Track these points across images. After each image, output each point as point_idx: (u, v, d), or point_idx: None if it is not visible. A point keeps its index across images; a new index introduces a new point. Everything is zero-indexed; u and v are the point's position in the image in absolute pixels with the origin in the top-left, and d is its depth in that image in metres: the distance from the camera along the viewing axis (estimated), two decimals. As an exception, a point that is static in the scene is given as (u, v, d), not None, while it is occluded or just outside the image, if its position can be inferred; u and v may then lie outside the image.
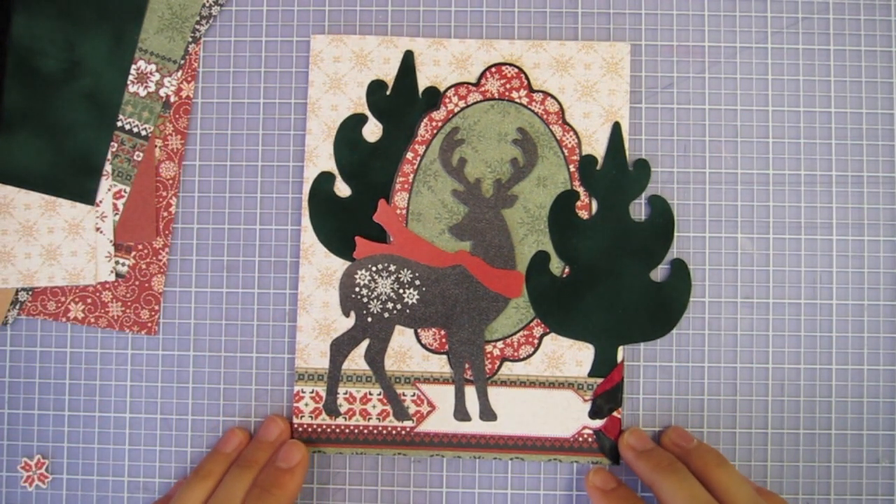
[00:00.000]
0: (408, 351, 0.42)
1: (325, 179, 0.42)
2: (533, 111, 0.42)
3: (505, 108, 0.42)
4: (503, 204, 0.42)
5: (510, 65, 0.42)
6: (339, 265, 0.42)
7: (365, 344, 0.42)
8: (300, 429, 0.41)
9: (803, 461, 0.41)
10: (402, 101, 0.42)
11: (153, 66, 0.43)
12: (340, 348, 0.42)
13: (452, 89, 0.42)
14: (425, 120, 0.42)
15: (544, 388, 0.41)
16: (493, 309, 0.41)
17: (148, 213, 0.42)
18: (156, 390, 0.42)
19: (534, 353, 0.41)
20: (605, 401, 0.41)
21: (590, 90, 0.42)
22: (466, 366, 0.41)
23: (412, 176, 0.42)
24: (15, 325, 0.42)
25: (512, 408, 0.41)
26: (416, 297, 0.41)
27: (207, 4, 0.43)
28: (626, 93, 0.42)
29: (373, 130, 0.42)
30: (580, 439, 0.41)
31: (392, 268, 0.42)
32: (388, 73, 0.42)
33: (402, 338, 0.42)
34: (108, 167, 0.42)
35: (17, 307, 0.42)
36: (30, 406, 0.42)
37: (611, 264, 0.41)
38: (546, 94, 0.42)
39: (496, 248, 0.42)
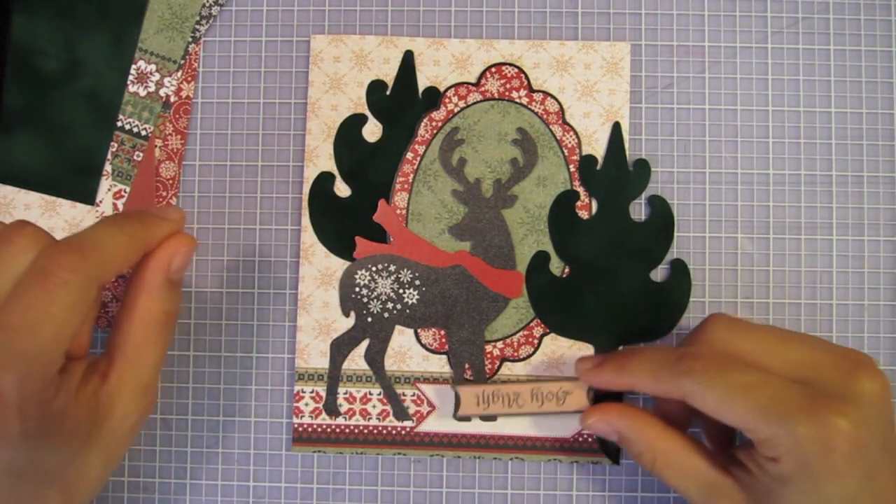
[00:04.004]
0: (408, 351, 0.42)
1: (325, 179, 0.42)
2: (533, 111, 0.42)
3: (505, 108, 0.42)
4: (503, 204, 0.42)
5: (510, 65, 0.42)
6: (339, 265, 0.42)
7: (365, 344, 0.42)
8: (300, 429, 0.41)
9: (803, 461, 0.41)
10: (402, 101, 0.42)
11: (153, 66, 0.43)
12: (340, 348, 0.42)
13: (452, 89, 0.42)
14: (425, 120, 0.42)
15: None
16: (493, 309, 0.41)
17: (148, 213, 0.42)
18: (156, 390, 0.42)
19: (534, 353, 0.41)
20: (606, 401, 0.41)
21: (590, 90, 0.42)
22: (466, 366, 0.41)
23: (412, 176, 0.42)
24: (15, 325, 0.42)
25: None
26: (416, 297, 0.42)
27: (207, 4, 0.43)
28: (626, 93, 0.42)
29: (373, 130, 0.42)
30: (580, 439, 0.41)
31: (392, 268, 0.42)
32: (388, 73, 0.42)
33: (402, 338, 0.42)
34: (108, 167, 0.42)
35: (17, 307, 0.42)
36: (30, 406, 0.42)
37: (611, 264, 0.41)
38: (546, 94, 0.42)
39: (496, 248, 0.42)
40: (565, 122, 0.42)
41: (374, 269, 0.42)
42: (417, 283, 0.42)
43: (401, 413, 0.41)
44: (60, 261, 0.29)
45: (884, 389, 0.31)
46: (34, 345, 0.28)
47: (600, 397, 0.41)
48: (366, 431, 0.41)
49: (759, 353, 0.33)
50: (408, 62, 0.42)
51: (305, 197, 0.42)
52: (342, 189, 0.42)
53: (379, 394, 0.42)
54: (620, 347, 0.41)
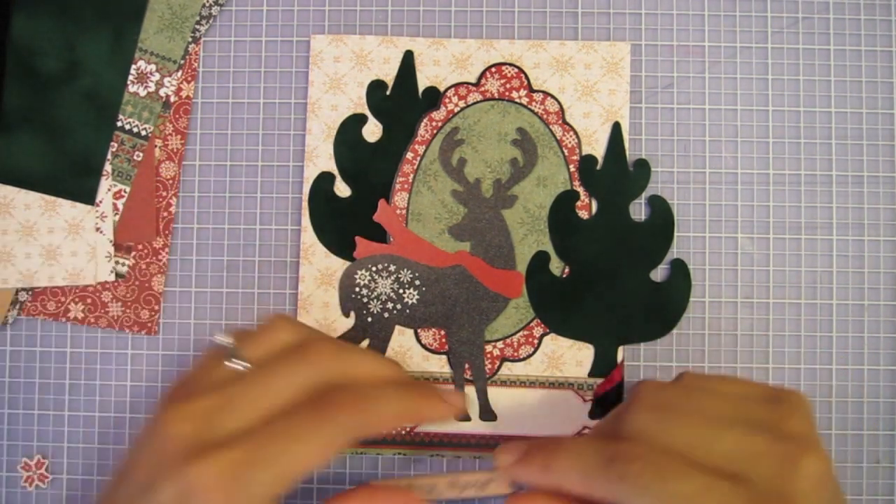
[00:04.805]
0: (408, 351, 0.42)
1: (325, 179, 0.42)
2: (533, 111, 0.42)
3: (505, 108, 0.42)
4: (503, 204, 0.42)
5: (510, 65, 0.42)
6: (339, 265, 0.42)
7: (365, 344, 0.42)
8: (300, 429, 0.41)
9: (803, 461, 0.41)
10: (402, 101, 0.42)
11: (153, 66, 0.43)
12: (340, 348, 0.41)
13: (452, 89, 0.42)
14: (425, 120, 0.42)
15: (544, 388, 0.41)
16: (493, 309, 0.41)
17: (148, 213, 0.42)
18: (156, 390, 0.42)
19: (534, 353, 0.41)
20: (605, 401, 0.41)
21: (590, 90, 0.42)
22: (466, 366, 0.41)
23: (412, 176, 0.42)
24: (15, 325, 0.42)
25: (512, 408, 0.41)
26: (416, 297, 0.42)
27: (207, 4, 0.43)
28: (626, 93, 0.42)
29: (373, 130, 0.42)
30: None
31: (392, 268, 0.42)
32: (388, 73, 0.42)
33: (402, 338, 0.42)
34: (108, 167, 0.42)
35: (17, 307, 0.42)
36: (30, 406, 0.42)
37: (611, 264, 0.41)
38: (546, 94, 0.42)
39: (496, 248, 0.42)
40: (565, 122, 0.42)
41: (374, 269, 0.42)
42: (417, 283, 0.42)
43: (401, 413, 0.41)
44: (341, 401, 0.31)
45: (822, 462, 0.29)
46: (268, 483, 0.29)
47: (600, 399, 0.41)
48: (366, 431, 0.41)
49: (692, 445, 0.30)
50: (408, 62, 0.42)
51: (305, 197, 0.42)
52: (342, 189, 0.42)
53: (379, 394, 0.41)
54: (620, 348, 0.41)
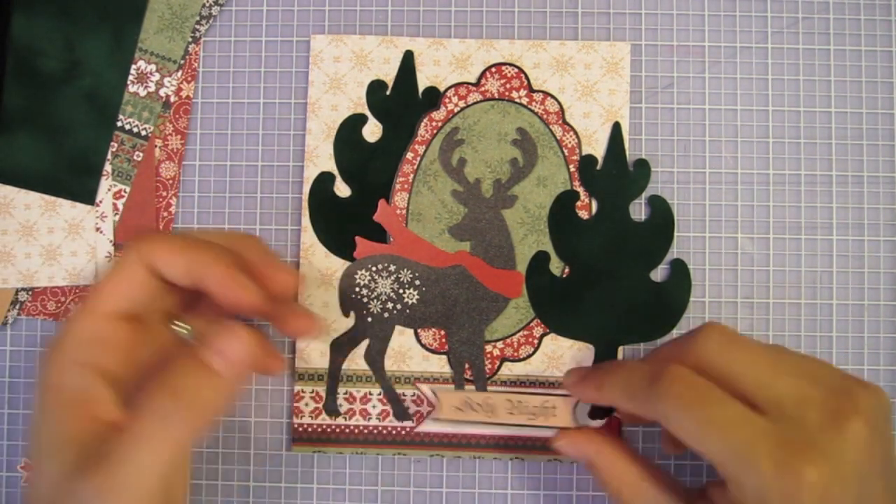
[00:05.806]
0: (408, 351, 0.42)
1: (325, 179, 0.42)
2: (533, 111, 0.42)
3: (505, 108, 0.42)
4: (503, 204, 0.42)
5: (510, 65, 0.42)
6: (339, 265, 0.42)
7: (365, 344, 0.42)
8: (300, 429, 0.41)
9: (803, 461, 0.41)
10: (402, 101, 0.42)
11: (153, 66, 0.43)
12: (340, 348, 0.42)
13: (452, 89, 0.42)
14: (425, 120, 0.42)
15: (544, 388, 0.41)
16: (493, 309, 0.41)
17: (148, 213, 0.42)
18: (156, 390, 0.42)
19: (534, 353, 0.41)
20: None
21: (590, 90, 0.42)
22: (466, 366, 0.41)
23: (412, 176, 0.42)
24: (15, 325, 0.42)
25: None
26: (416, 297, 0.42)
27: (207, 4, 0.43)
28: (626, 93, 0.42)
29: (373, 130, 0.42)
30: (580, 439, 0.41)
31: (392, 268, 0.42)
32: (388, 73, 0.42)
33: (402, 338, 0.42)
34: (108, 167, 0.42)
35: (17, 307, 0.42)
36: (30, 406, 0.42)
37: (611, 264, 0.41)
38: (546, 94, 0.42)
39: (496, 248, 0.42)
40: (565, 122, 0.42)
41: (374, 269, 0.42)
42: (417, 283, 0.42)
43: (401, 413, 0.41)
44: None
45: (870, 435, 0.29)
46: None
47: (597, 409, 0.41)
48: (366, 431, 0.41)
49: (747, 380, 0.31)
50: (408, 62, 0.42)
51: (305, 197, 0.42)
52: (342, 189, 0.42)
53: (379, 394, 0.42)
54: (620, 348, 0.41)
